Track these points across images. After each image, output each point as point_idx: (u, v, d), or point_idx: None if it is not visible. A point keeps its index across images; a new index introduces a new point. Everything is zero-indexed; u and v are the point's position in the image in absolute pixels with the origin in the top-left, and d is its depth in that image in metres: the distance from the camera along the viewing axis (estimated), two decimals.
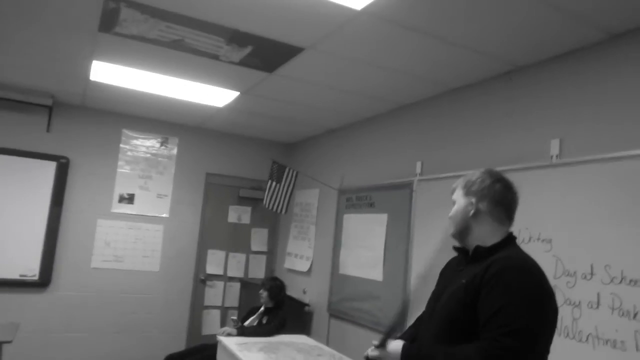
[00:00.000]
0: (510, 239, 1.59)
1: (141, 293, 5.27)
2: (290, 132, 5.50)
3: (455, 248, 1.76)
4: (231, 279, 5.75)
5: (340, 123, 4.86)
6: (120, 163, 5.26)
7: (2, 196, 4.72)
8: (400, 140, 4.03)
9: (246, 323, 4.16)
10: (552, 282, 1.60)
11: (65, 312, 4.91)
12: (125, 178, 5.28)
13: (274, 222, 6.07)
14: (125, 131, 5.31)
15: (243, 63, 3.35)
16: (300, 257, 5.36)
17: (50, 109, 4.85)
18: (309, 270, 5.13)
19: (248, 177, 5.91)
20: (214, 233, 5.72)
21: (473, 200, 1.60)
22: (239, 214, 5.89)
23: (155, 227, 5.38)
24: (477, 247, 1.57)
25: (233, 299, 5.74)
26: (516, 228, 1.70)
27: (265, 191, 4.75)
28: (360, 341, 3.93)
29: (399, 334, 1.77)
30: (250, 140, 5.96)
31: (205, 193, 5.70)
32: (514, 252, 1.53)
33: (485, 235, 1.57)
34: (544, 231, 2.60)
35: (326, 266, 4.77)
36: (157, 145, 5.45)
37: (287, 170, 4.56)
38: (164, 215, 5.43)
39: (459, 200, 1.64)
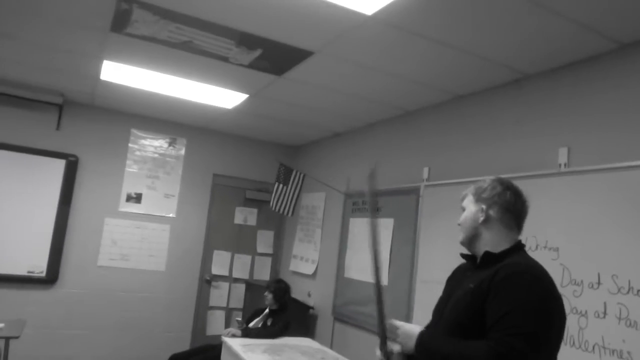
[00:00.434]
0: (519, 247, 1.60)
1: (147, 292, 5.29)
2: (298, 135, 5.51)
3: (463, 255, 1.76)
4: (236, 280, 5.77)
5: (348, 127, 4.86)
6: (128, 162, 5.30)
7: (11, 193, 4.76)
8: (408, 146, 4.03)
9: (251, 325, 4.17)
10: (559, 290, 1.60)
11: (71, 309, 4.94)
12: (133, 177, 5.31)
13: (279, 224, 6.08)
14: (134, 131, 5.34)
15: (252, 66, 3.36)
16: (305, 259, 5.36)
17: (60, 107, 4.89)
18: (314, 273, 5.13)
19: (255, 179, 5.92)
20: (220, 234, 5.73)
21: (483, 206, 1.62)
22: (245, 216, 5.90)
23: (162, 227, 5.40)
24: (486, 253, 1.58)
25: (238, 300, 5.75)
26: (523, 236, 1.70)
27: (272, 193, 4.77)
28: (364, 345, 3.93)
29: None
30: (258, 142, 5.98)
31: (212, 194, 5.72)
32: (522, 259, 1.55)
33: (495, 241, 1.58)
34: (551, 239, 2.59)
35: (331, 269, 4.77)
36: (165, 145, 5.48)
37: (294, 172, 4.57)
38: (170, 215, 5.45)
39: (469, 207, 1.66)
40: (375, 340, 1.73)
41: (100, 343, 5.04)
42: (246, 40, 2.93)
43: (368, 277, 4.14)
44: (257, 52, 3.11)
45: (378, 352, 1.69)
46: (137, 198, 5.32)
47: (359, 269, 4.32)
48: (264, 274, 5.92)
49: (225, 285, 5.71)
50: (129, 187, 5.29)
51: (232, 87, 3.94)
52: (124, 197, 5.26)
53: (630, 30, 2.31)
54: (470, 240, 1.63)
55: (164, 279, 5.38)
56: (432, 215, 3.53)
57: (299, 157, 6.06)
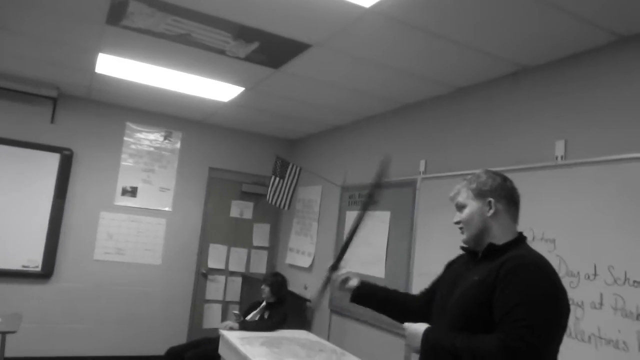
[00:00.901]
0: (521, 239, 1.61)
1: (143, 286, 5.29)
2: (294, 128, 5.50)
3: (464, 248, 1.77)
4: (232, 273, 5.77)
5: (344, 121, 4.86)
6: (123, 156, 5.27)
7: (6, 187, 4.73)
8: (404, 139, 4.04)
9: (248, 317, 4.18)
10: None
11: (67, 304, 4.94)
12: (128, 171, 5.29)
13: (275, 217, 6.09)
14: (129, 124, 5.31)
15: (249, 59, 3.35)
16: (302, 252, 5.37)
17: (55, 101, 4.86)
18: (311, 266, 5.15)
19: (251, 173, 5.92)
20: (216, 227, 5.73)
21: (491, 199, 1.60)
22: (241, 209, 5.90)
23: (158, 221, 5.39)
24: (490, 245, 1.58)
25: (234, 294, 5.76)
26: (520, 228, 1.71)
27: (268, 187, 4.76)
28: (361, 337, 3.95)
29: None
30: (254, 135, 5.97)
31: (208, 187, 5.71)
32: (527, 251, 1.55)
33: (501, 233, 1.59)
34: (547, 231, 2.61)
35: (328, 262, 4.75)
36: (161, 139, 5.46)
37: (290, 166, 4.57)
38: (166, 208, 5.44)
39: (470, 203, 1.63)
40: (372, 332, 1.78)
41: (96, 337, 5.04)
42: (243, 33, 2.92)
43: (365, 270, 4.16)
44: (254, 45, 3.10)
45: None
46: (133, 192, 5.30)
47: (355, 262, 4.33)
48: (260, 267, 5.93)
49: (221, 279, 5.72)
50: (124, 181, 5.27)
51: (229, 81, 3.92)
52: (119, 191, 5.24)
53: (629, 23, 2.32)
54: (478, 237, 1.61)
55: (160, 272, 5.38)
56: (429, 208, 3.54)
57: (295, 150, 6.05)
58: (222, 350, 3.69)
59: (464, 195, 1.66)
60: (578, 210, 2.48)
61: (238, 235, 5.85)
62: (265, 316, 4.17)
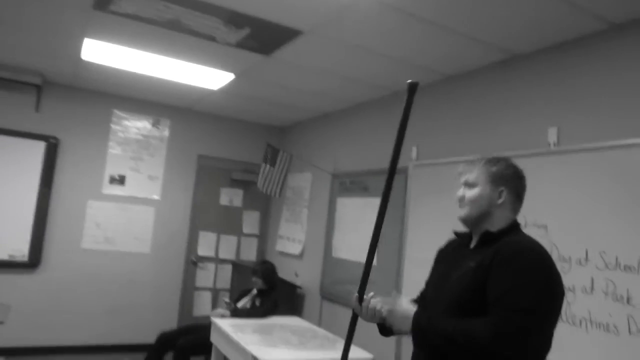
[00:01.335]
0: (516, 225, 1.61)
1: (132, 275, 5.26)
2: (284, 116, 5.46)
3: (457, 233, 1.77)
4: (223, 261, 5.76)
5: (335, 108, 4.84)
6: (110, 144, 5.20)
7: None
8: (395, 125, 4.01)
9: (239, 305, 4.18)
10: None
11: (55, 293, 4.89)
12: (116, 159, 5.22)
13: (265, 205, 6.07)
14: (116, 112, 5.23)
15: (240, 45, 3.30)
16: (292, 240, 5.37)
17: (39, 88, 4.76)
18: (301, 253, 5.15)
19: (240, 160, 5.88)
20: (205, 215, 5.70)
21: (503, 189, 1.59)
22: (230, 197, 5.87)
23: (147, 209, 5.34)
24: (486, 232, 1.58)
25: (224, 281, 5.75)
26: None
27: (257, 174, 4.74)
28: (349, 322, 3.97)
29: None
30: (243, 123, 5.92)
31: (197, 175, 5.66)
32: (522, 237, 1.56)
33: (499, 222, 1.59)
34: (539, 217, 2.63)
35: (319, 249, 4.80)
36: (149, 126, 5.39)
37: (281, 153, 4.54)
38: (155, 197, 5.39)
39: (483, 185, 1.60)
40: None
41: (86, 326, 5.01)
42: (234, 19, 2.87)
43: (356, 256, 4.18)
44: (245, 31, 3.05)
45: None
46: (121, 180, 5.23)
47: (347, 248, 4.35)
48: (250, 254, 5.93)
49: (211, 266, 5.70)
50: (112, 169, 5.20)
51: (219, 67, 3.87)
52: (107, 179, 5.17)
53: (621, 11, 2.32)
54: (478, 219, 1.60)
55: (150, 261, 5.35)
56: (420, 195, 3.56)
57: (285, 137, 6.02)
58: (214, 338, 3.70)
59: (478, 175, 1.62)
60: (570, 196, 2.51)
61: (228, 222, 5.83)
62: (257, 303, 4.17)
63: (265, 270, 4.25)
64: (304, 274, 5.07)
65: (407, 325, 1.52)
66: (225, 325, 3.47)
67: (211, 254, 5.70)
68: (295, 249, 5.27)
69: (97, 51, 3.76)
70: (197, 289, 5.61)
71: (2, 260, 4.66)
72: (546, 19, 2.48)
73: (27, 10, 3.07)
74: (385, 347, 3.42)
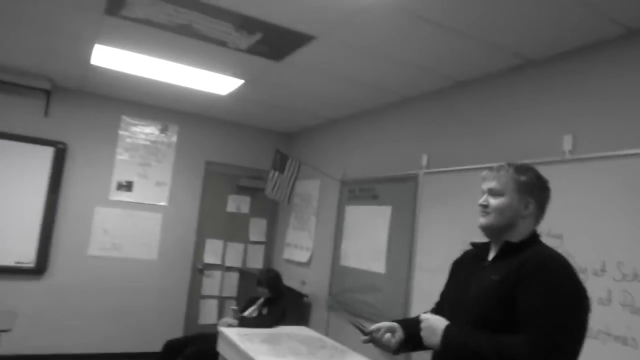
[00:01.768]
0: (536, 236, 1.57)
1: (138, 281, 5.23)
2: (292, 121, 5.44)
3: (473, 244, 1.72)
4: (229, 268, 5.72)
5: (345, 114, 4.81)
6: (118, 150, 5.19)
7: None
8: (406, 133, 4.00)
9: (246, 313, 4.14)
10: None
11: (62, 299, 4.86)
12: (123, 165, 5.20)
13: (272, 212, 6.03)
14: (125, 117, 5.23)
15: (251, 50, 3.28)
16: (300, 247, 5.33)
17: (48, 93, 4.76)
18: (309, 261, 5.11)
19: (248, 167, 5.85)
20: (212, 222, 5.67)
21: (531, 200, 1.55)
22: (238, 204, 5.84)
23: (154, 216, 5.32)
24: (507, 243, 1.53)
25: (231, 289, 5.71)
26: None
27: (265, 181, 4.71)
28: (359, 334, 3.91)
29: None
30: (251, 129, 5.90)
31: (205, 182, 5.64)
32: (546, 249, 1.51)
33: (521, 233, 1.54)
34: (554, 226, 2.57)
35: (326, 257, 4.75)
36: (157, 132, 5.38)
37: (290, 160, 4.51)
38: (162, 203, 5.37)
39: (510, 194, 1.55)
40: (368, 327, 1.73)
41: (92, 332, 4.98)
42: (246, 23, 2.86)
43: (365, 265, 4.13)
44: (257, 37, 3.03)
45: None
46: (128, 186, 5.22)
47: (355, 256, 4.30)
48: (257, 262, 5.88)
49: (217, 274, 5.66)
50: (119, 175, 5.19)
51: (229, 73, 3.85)
52: (114, 185, 5.16)
53: (639, 15, 2.28)
54: (501, 229, 1.55)
55: (156, 268, 5.31)
56: (431, 203, 3.51)
57: (293, 144, 6.00)
58: (221, 347, 3.65)
59: (506, 183, 1.56)
60: (586, 206, 2.46)
61: (235, 230, 5.80)
62: (264, 312, 4.12)
63: (270, 279, 4.20)
64: (311, 283, 5.02)
65: (437, 336, 1.48)
66: (233, 335, 3.43)
67: (217, 261, 5.67)
68: (302, 256, 5.23)
69: (107, 56, 3.76)
70: (203, 296, 5.57)
71: (8, 267, 4.63)
72: (561, 23, 2.44)
73: (38, 14, 3.07)
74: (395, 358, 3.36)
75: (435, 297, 1.94)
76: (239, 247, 5.81)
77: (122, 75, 4.25)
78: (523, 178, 1.56)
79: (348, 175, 4.65)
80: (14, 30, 3.41)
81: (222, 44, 3.21)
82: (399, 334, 1.71)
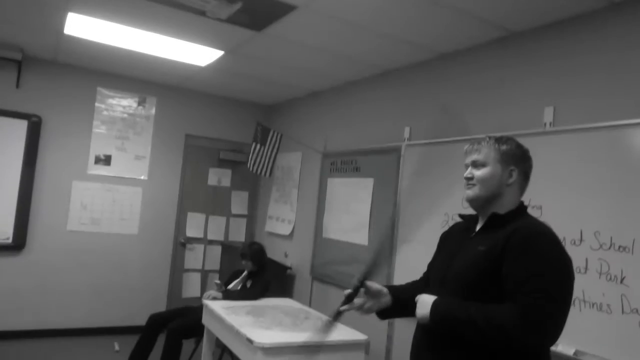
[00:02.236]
0: (523, 208, 1.59)
1: (120, 256, 5.19)
2: (273, 93, 5.37)
3: (462, 215, 1.74)
4: (211, 242, 5.71)
5: (326, 86, 4.77)
6: (95, 123, 5.07)
7: None
8: (388, 105, 3.99)
9: (230, 286, 4.15)
10: None
11: (41, 276, 4.80)
12: (101, 138, 5.09)
13: (254, 185, 6.01)
14: (101, 89, 5.09)
15: (230, 20, 3.20)
16: (282, 220, 5.34)
17: (19, 64, 4.59)
18: (291, 233, 5.13)
19: (228, 140, 5.79)
20: (193, 196, 5.63)
21: (513, 169, 1.57)
22: (219, 177, 5.80)
23: (134, 190, 5.25)
24: (494, 214, 1.56)
25: (213, 262, 5.71)
26: None
27: (246, 154, 4.67)
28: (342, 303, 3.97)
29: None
30: (232, 101, 5.81)
31: (185, 155, 5.57)
32: (532, 220, 1.54)
33: (507, 204, 1.56)
34: (534, 197, 2.61)
35: (309, 230, 4.77)
36: (135, 105, 5.26)
37: (271, 132, 4.47)
38: (142, 177, 5.29)
39: (493, 164, 1.56)
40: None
41: (73, 308, 4.95)
42: None
43: (348, 237, 4.16)
44: (237, 5, 2.95)
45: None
46: (107, 160, 5.12)
47: (338, 229, 4.33)
48: (239, 235, 5.89)
49: (200, 248, 5.65)
50: (97, 149, 5.08)
51: (208, 43, 3.76)
52: (92, 159, 5.06)
53: None
54: (487, 200, 1.56)
55: (137, 242, 5.28)
56: (413, 175, 3.53)
57: (274, 116, 5.93)
58: (206, 320, 3.67)
59: (488, 154, 1.57)
60: (565, 177, 2.50)
61: (216, 203, 5.77)
62: (248, 285, 4.14)
63: (254, 252, 4.20)
64: (294, 255, 5.06)
65: (425, 312, 1.50)
66: (218, 308, 3.44)
67: (200, 235, 5.65)
68: (285, 229, 5.24)
69: (81, 26, 3.63)
70: (186, 270, 5.57)
71: None
72: None
73: None
74: (378, 328, 3.43)
75: (417, 268, 1.97)
76: (221, 220, 5.79)
77: (97, 46, 4.11)
78: (504, 147, 1.58)
79: (330, 148, 4.64)
80: None
81: (201, 13, 3.12)
82: (387, 299, 1.75)
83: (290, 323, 3.20)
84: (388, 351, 3.56)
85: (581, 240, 2.40)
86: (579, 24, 2.60)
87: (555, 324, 1.35)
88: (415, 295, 1.59)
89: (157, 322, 4.14)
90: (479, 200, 1.58)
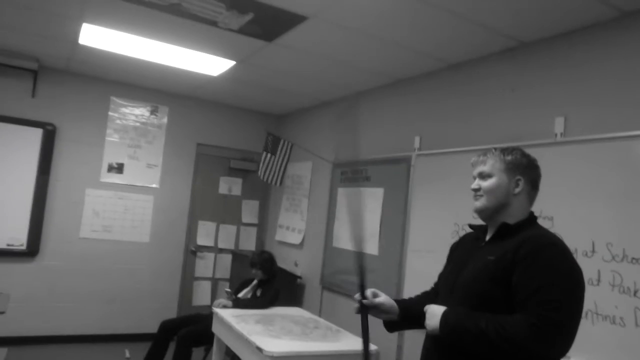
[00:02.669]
0: (533, 218, 1.59)
1: (131, 264, 5.23)
2: (284, 103, 5.40)
3: (472, 226, 1.74)
4: (222, 250, 5.73)
5: (337, 95, 4.78)
6: (108, 131, 5.13)
7: None
8: (399, 115, 3.99)
9: (240, 295, 4.16)
10: None
11: (53, 282, 4.85)
12: (114, 147, 5.16)
13: (264, 194, 6.03)
14: (114, 98, 5.16)
15: (242, 31, 3.23)
16: (292, 229, 5.34)
17: (35, 74, 4.67)
18: (301, 242, 5.13)
19: (239, 148, 5.83)
20: (204, 204, 5.66)
21: (520, 178, 1.57)
22: (229, 185, 5.83)
23: (145, 198, 5.30)
24: (504, 224, 1.55)
25: (224, 271, 5.73)
26: None
27: (256, 163, 4.69)
28: (353, 314, 3.95)
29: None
30: (242, 111, 5.86)
31: (196, 164, 5.61)
32: (542, 231, 1.54)
33: (516, 214, 1.56)
34: (546, 208, 2.60)
35: (319, 239, 4.77)
36: (147, 113, 5.32)
37: (282, 142, 4.50)
38: (153, 185, 5.34)
39: (499, 175, 1.57)
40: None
41: (84, 315, 4.99)
42: (238, 3, 2.81)
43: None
44: (249, 16, 2.99)
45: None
46: (119, 168, 5.18)
47: (348, 238, 4.32)
48: (249, 244, 5.90)
49: (210, 256, 5.68)
50: (110, 157, 5.14)
51: (219, 54, 3.80)
52: (105, 167, 5.12)
53: None
54: (495, 210, 1.57)
55: (148, 250, 5.31)
56: (423, 185, 3.53)
57: (284, 125, 5.96)
58: (215, 328, 3.68)
59: (493, 165, 1.59)
60: (577, 188, 2.48)
61: (227, 212, 5.79)
62: (258, 294, 4.15)
63: (264, 260, 4.22)
64: (304, 264, 5.05)
65: (435, 321, 1.50)
66: (228, 316, 3.45)
67: (210, 243, 5.67)
68: (295, 238, 5.24)
69: (95, 36, 3.69)
70: (197, 278, 5.59)
71: (0, 249, 4.61)
72: (555, 5, 2.42)
73: None
74: (388, 340, 3.40)
75: (427, 278, 1.97)
76: (232, 229, 5.82)
77: (111, 56, 4.18)
78: (509, 157, 1.59)
79: (339, 157, 4.65)
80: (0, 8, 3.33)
81: (213, 23, 3.16)
82: (394, 311, 1.75)
83: (300, 332, 3.20)
84: None
85: (593, 251, 2.37)
86: (589, 34, 2.59)
87: (565, 335, 1.34)
88: (423, 308, 1.59)
89: (168, 329, 4.16)
90: (487, 210, 1.59)
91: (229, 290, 4.20)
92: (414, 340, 3.37)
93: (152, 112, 5.34)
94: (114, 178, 5.15)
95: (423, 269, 3.35)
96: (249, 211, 5.95)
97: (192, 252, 5.56)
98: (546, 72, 2.80)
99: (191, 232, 5.57)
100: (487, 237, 1.62)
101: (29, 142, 4.75)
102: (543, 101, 2.78)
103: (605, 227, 2.33)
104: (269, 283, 4.17)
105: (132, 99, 5.24)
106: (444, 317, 1.48)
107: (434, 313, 1.52)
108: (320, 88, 4.56)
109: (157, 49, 3.85)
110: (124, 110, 5.20)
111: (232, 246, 5.79)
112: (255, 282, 4.24)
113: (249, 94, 5.12)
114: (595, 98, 2.52)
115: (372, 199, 4.04)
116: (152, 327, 4.37)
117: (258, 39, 3.37)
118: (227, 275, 5.73)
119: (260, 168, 4.57)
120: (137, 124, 5.27)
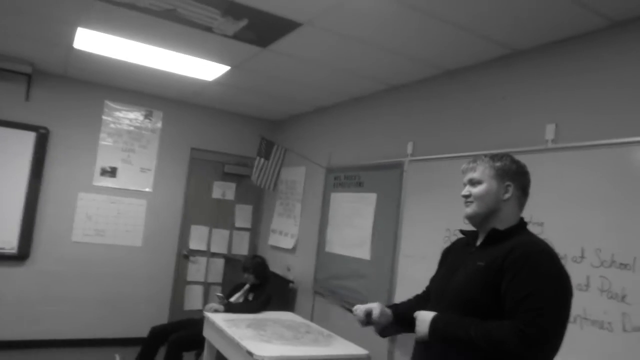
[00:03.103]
0: (523, 224, 1.61)
1: (123, 268, 5.21)
2: (278, 109, 5.43)
3: (463, 231, 1.76)
4: (214, 254, 5.73)
5: (330, 101, 4.81)
6: (102, 135, 5.13)
7: None
8: (392, 121, 4.02)
9: (232, 299, 4.16)
10: None
11: (45, 286, 4.83)
12: (107, 151, 5.15)
13: (258, 198, 6.04)
14: (108, 102, 5.16)
15: (237, 36, 3.26)
16: (285, 234, 5.35)
17: (29, 77, 4.67)
18: (294, 247, 5.14)
19: (233, 153, 5.83)
20: (197, 208, 5.66)
21: (509, 184, 1.59)
22: (223, 190, 5.83)
23: (138, 202, 5.29)
24: (494, 230, 1.58)
25: (216, 275, 5.72)
26: None
27: (250, 168, 4.70)
28: (345, 319, 3.98)
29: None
30: (237, 116, 5.87)
31: (190, 168, 5.62)
32: (533, 237, 1.56)
33: (506, 219, 1.58)
34: (536, 214, 2.62)
35: (312, 244, 4.78)
36: (141, 118, 5.32)
37: (275, 147, 4.51)
38: (147, 189, 5.34)
39: (489, 181, 1.60)
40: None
41: (76, 318, 4.96)
42: (233, 9, 2.83)
43: (350, 252, 4.17)
44: (243, 22, 3.01)
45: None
46: (112, 172, 5.17)
47: (340, 243, 4.34)
48: (242, 248, 5.90)
49: (203, 260, 5.67)
50: (103, 161, 5.14)
51: (214, 59, 3.82)
52: (98, 171, 5.11)
53: (623, 8, 2.32)
54: (485, 216, 1.59)
55: (141, 254, 5.30)
56: (416, 191, 3.55)
57: (279, 131, 5.98)
58: (207, 333, 3.67)
59: (483, 171, 1.62)
60: (567, 194, 2.51)
61: (220, 216, 5.79)
62: (250, 298, 4.15)
63: (256, 265, 4.22)
64: (296, 269, 5.06)
65: (425, 327, 1.52)
66: (219, 320, 3.45)
67: (203, 247, 5.67)
68: (287, 243, 5.25)
69: (90, 40, 3.70)
70: (189, 282, 5.58)
71: None
72: (547, 14, 2.47)
73: None
74: (378, 343, 3.41)
75: (419, 283, 1.98)
76: (225, 233, 5.81)
77: (106, 60, 4.18)
78: (498, 164, 1.62)
79: (333, 163, 4.67)
80: None
81: (208, 29, 3.18)
82: (387, 317, 1.78)
83: (291, 337, 3.20)
84: None
85: (582, 257, 2.40)
86: (581, 42, 2.63)
87: (552, 341, 1.36)
88: (414, 311, 1.61)
89: (158, 335, 4.14)
90: (477, 217, 1.61)
91: (220, 294, 4.20)
92: (405, 345, 3.38)
93: (146, 116, 5.34)
94: (107, 182, 5.14)
95: (415, 275, 3.36)
96: (242, 216, 5.95)
97: (185, 256, 5.55)
98: (538, 80, 2.84)
99: (184, 236, 5.56)
100: (478, 243, 1.64)
101: (22, 145, 4.73)
102: (534, 108, 2.82)
103: (594, 233, 2.36)
104: (261, 287, 4.17)
105: (126, 103, 5.24)
106: (433, 323, 1.50)
107: (423, 319, 1.53)
108: (316, 94, 4.58)
109: (152, 54, 3.87)
110: (118, 114, 5.20)
111: (224, 250, 5.79)
112: (247, 286, 4.24)
113: (243, 99, 5.14)
114: (586, 105, 2.56)
115: (365, 204, 4.06)
116: (143, 332, 4.35)
117: (253, 45, 3.39)
118: (220, 279, 5.73)
119: (253, 173, 4.57)
120: (131, 128, 5.27)
